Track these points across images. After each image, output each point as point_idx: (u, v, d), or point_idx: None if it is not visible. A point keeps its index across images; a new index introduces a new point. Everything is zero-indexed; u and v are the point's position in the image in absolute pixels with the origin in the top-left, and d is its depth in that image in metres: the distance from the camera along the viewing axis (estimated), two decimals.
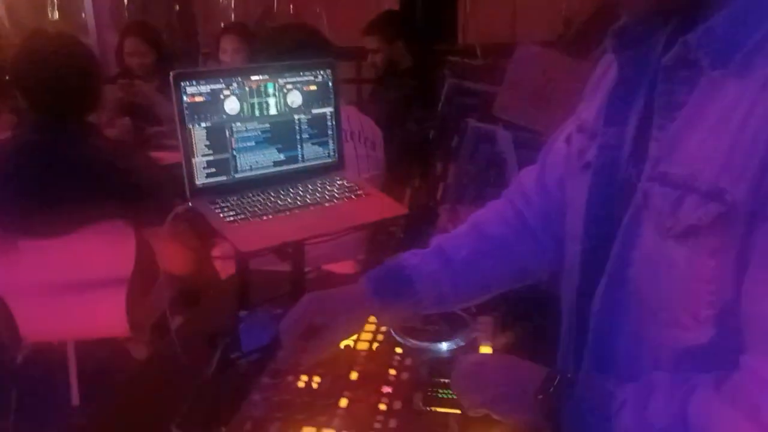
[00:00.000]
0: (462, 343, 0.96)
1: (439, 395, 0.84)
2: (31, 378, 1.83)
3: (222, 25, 3.93)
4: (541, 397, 0.69)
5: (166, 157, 2.11)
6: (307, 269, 1.31)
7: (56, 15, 4.42)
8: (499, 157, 1.93)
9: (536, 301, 1.05)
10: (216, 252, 1.99)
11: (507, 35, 3.17)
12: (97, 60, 1.83)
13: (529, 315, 1.05)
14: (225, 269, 1.98)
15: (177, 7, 4.33)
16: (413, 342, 0.96)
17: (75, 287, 1.72)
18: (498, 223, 0.97)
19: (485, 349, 0.95)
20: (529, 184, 0.99)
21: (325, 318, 0.86)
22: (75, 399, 1.84)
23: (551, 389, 0.70)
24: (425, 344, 0.95)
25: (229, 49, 2.96)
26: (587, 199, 0.80)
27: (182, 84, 1.07)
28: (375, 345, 0.97)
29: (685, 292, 0.67)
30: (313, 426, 0.79)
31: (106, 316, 1.79)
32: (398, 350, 0.95)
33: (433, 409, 0.82)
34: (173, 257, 1.73)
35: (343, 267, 1.93)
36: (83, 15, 3.81)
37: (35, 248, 1.65)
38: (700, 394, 0.62)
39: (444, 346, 0.95)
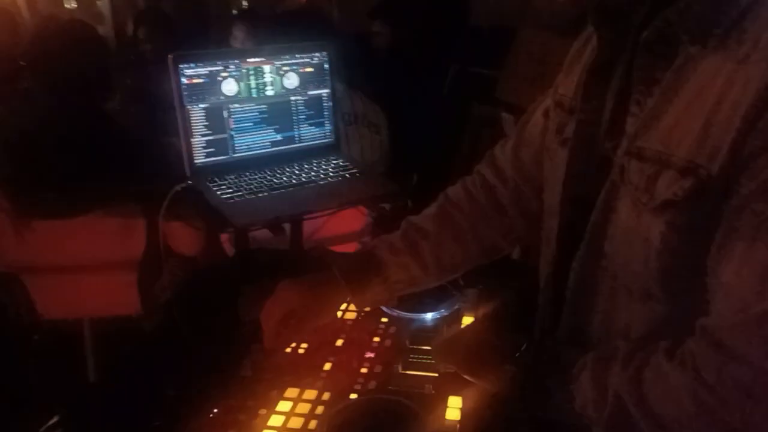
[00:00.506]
0: (446, 314, 0.99)
1: (419, 360, 0.88)
2: (48, 354, 1.90)
3: (234, 12, 3.97)
4: (507, 364, 0.72)
5: (178, 141, 2.16)
6: (308, 247, 1.35)
7: (73, 4, 4.50)
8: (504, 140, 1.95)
9: (521, 271, 1.08)
10: (224, 235, 2.05)
11: (515, 17, 3.15)
12: (107, 45, 1.88)
13: (513, 285, 1.08)
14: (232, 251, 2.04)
15: None
16: (398, 312, 0.99)
17: (89, 267, 1.78)
18: (467, 200, 0.97)
19: (468, 319, 0.99)
20: (504, 158, 0.98)
21: (300, 304, 0.88)
22: (91, 374, 1.92)
23: (517, 355, 0.72)
24: (410, 315, 0.99)
25: (240, 36, 2.99)
26: (565, 175, 0.81)
27: (181, 66, 1.12)
28: (362, 315, 1.01)
29: (658, 266, 0.68)
30: (297, 387, 0.84)
31: (120, 295, 1.85)
32: (384, 320, 0.99)
33: (411, 372, 0.86)
34: (182, 239, 1.79)
35: (349, 249, 1.97)
36: (98, 3, 3.87)
37: (50, 228, 1.71)
38: (653, 360, 0.65)
39: (428, 316, 0.99)
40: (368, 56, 3.04)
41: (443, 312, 0.99)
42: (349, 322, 0.99)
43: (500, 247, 0.97)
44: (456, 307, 1.00)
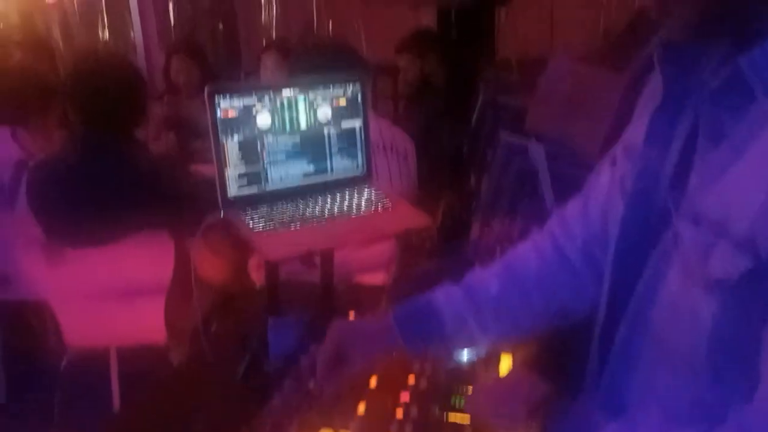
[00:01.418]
0: (483, 353, 0.96)
1: (456, 405, 0.85)
2: (74, 382, 1.90)
3: (264, 42, 4.04)
4: (533, 417, 0.69)
5: (209, 170, 2.17)
6: (337, 281, 1.34)
7: (107, 35, 4.63)
8: (532, 171, 1.93)
9: None
10: (252, 263, 2.04)
11: (544, 49, 3.16)
12: (142, 77, 1.91)
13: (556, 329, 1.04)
14: (261, 280, 2.03)
15: (221, 26, 4.48)
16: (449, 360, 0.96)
17: (117, 295, 1.79)
18: (534, 258, 0.91)
19: (506, 360, 0.96)
20: (572, 213, 0.92)
21: (352, 348, 0.86)
22: (116, 403, 1.91)
23: (543, 410, 0.69)
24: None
25: (270, 66, 3.04)
26: (619, 230, 0.75)
27: (216, 98, 1.12)
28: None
29: (707, 344, 0.62)
30: (330, 429, 0.81)
31: (147, 323, 1.86)
32: None
33: (448, 418, 0.83)
34: (209, 267, 1.79)
35: (375, 278, 1.95)
36: (132, 35, 3.97)
37: (81, 257, 1.73)
38: None
39: (464, 355, 0.96)
40: (396, 86, 3.07)
41: (480, 352, 0.96)
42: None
43: (570, 310, 0.90)
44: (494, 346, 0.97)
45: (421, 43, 2.95)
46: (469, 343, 0.89)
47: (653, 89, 0.75)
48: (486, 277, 0.91)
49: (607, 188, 0.83)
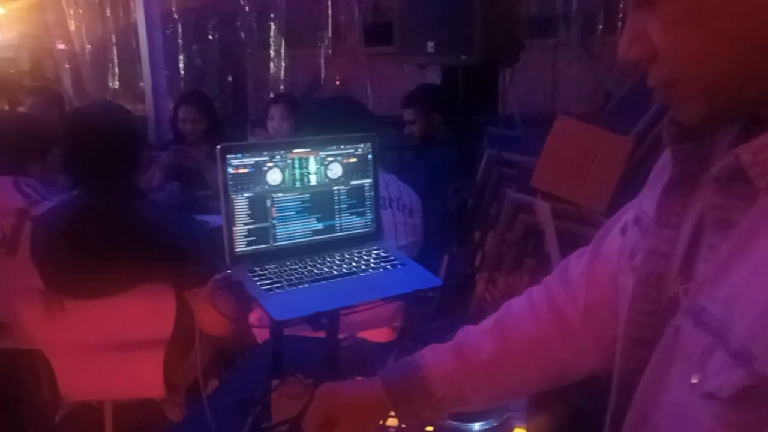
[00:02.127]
0: (495, 424, 0.93)
1: None
2: None
3: (271, 95, 4.11)
4: None
5: (213, 220, 2.17)
6: (341, 336, 1.31)
7: (116, 84, 4.72)
8: (537, 228, 1.92)
9: (578, 383, 1.02)
10: (253, 317, 2.02)
11: (547, 107, 3.21)
12: (137, 126, 1.90)
13: (569, 397, 1.01)
14: (262, 333, 2.00)
15: (230, 78, 4.57)
16: (445, 420, 0.94)
17: (116, 347, 1.76)
18: (529, 320, 0.86)
19: (519, 431, 0.93)
20: (576, 274, 0.86)
21: (340, 414, 0.83)
22: None
23: None
24: (457, 423, 0.93)
25: (276, 117, 3.08)
26: (628, 309, 0.69)
27: (227, 156, 1.12)
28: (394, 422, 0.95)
29: None
30: None
31: (144, 377, 1.82)
32: (429, 429, 0.93)
33: None
34: (212, 322, 1.76)
35: (379, 334, 1.92)
36: (141, 84, 4.04)
37: (80, 309, 1.70)
38: None
39: (476, 426, 0.93)
40: (402, 141, 3.10)
41: (492, 422, 0.93)
42: (392, 430, 0.93)
43: (567, 373, 0.86)
44: (506, 416, 0.94)
45: (425, 98, 3.00)
46: (460, 405, 0.85)
47: (664, 163, 0.71)
48: (478, 337, 0.86)
49: (617, 256, 0.78)
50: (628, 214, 0.79)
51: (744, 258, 0.55)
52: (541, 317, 0.86)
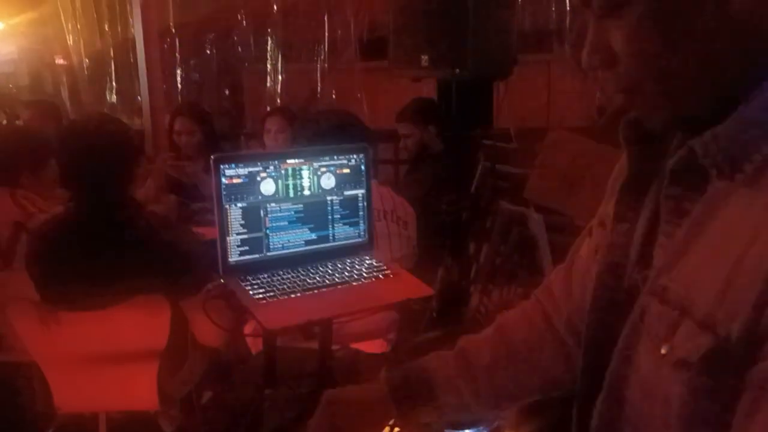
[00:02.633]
0: (486, 430, 0.94)
1: None
2: None
3: (268, 108, 4.14)
4: None
5: (209, 232, 2.18)
6: (336, 347, 1.32)
7: (114, 98, 4.75)
8: (531, 240, 1.94)
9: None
10: (247, 328, 2.02)
11: (541, 121, 3.24)
12: (131, 138, 1.91)
13: (554, 405, 1.02)
14: (256, 344, 2.00)
15: (227, 92, 4.60)
16: (443, 430, 0.94)
17: (110, 359, 1.75)
18: (525, 327, 0.91)
19: None
20: (557, 285, 0.91)
21: (345, 419, 0.85)
22: None
23: None
24: (449, 431, 0.94)
25: (272, 130, 3.08)
26: (591, 303, 0.74)
27: (222, 167, 1.13)
28: (396, 429, 0.95)
29: (680, 429, 0.59)
30: None
31: (138, 389, 1.81)
32: None
33: None
34: (206, 332, 1.76)
35: (374, 346, 1.92)
36: (139, 98, 4.06)
37: (76, 320, 1.70)
38: None
39: None
40: (396, 154, 3.13)
41: (482, 430, 0.94)
42: None
43: (563, 380, 0.88)
44: (496, 424, 0.95)
45: (420, 112, 3.02)
46: (460, 411, 0.88)
47: (620, 167, 0.78)
48: (478, 343, 0.90)
49: (586, 259, 0.83)
50: (594, 220, 0.84)
51: (699, 240, 0.60)
52: (534, 327, 0.90)
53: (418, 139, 3.00)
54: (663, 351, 0.61)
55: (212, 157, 1.12)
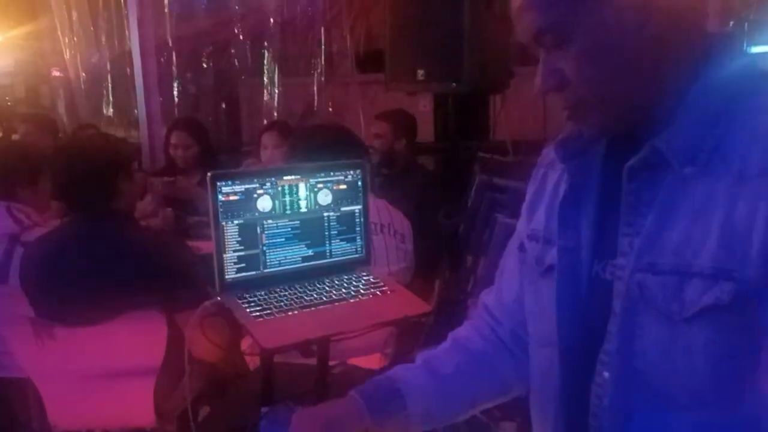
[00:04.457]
0: None
1: None
2: None
3: (265, 122, 4.14)
4: None
5: (206, 246, 2.17)
6: (332, 363, 1.31)
7: (111, 111, 4.75)
8: None
9: None
10: (244, 344, 2.01)
11: (538, 133, 3.25)
12: (115, 153, 1.91)
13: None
14: (253, 360, 1.99)
15: (224, 105, 4.61)
16: None
17: (106, 375, 1.74)
18: (478, 338, 0.99)
19: None
20: (492, 304, 1.01)
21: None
22: None
23: None
24: None
25: (269, 145, 3.08)
26: (557, 302, 0.82)
27: (218, 184, 1.13)
28: None
29: (709, 372, 0.69)
30: None
31: (134, 405, 1.80)
32: None
33: None
34: (202, 347, 1.75)
35: (371, 361, 1.92)
36: (136, 111, 4.07)
37: (71, 336, 1.70)
38: None
39: None
40: (393, 166, 3.13)
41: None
42: None
43: (512, 383, 0.97)
44: None
45: (399, 122, 3.03)
46: (425, 420, 0.92)
47: (540, 185, 0.92)
48: (440, 354, 0.98)
49: (519, 273, 0.94)
50: (515, 241, 0.98)
51: (672, 218, 0.71)
52: (485, 336, 0.99)
53: (389, 143, 3.01)
54: (674, 309, 0.69)
55: (209, 174, 1.12)
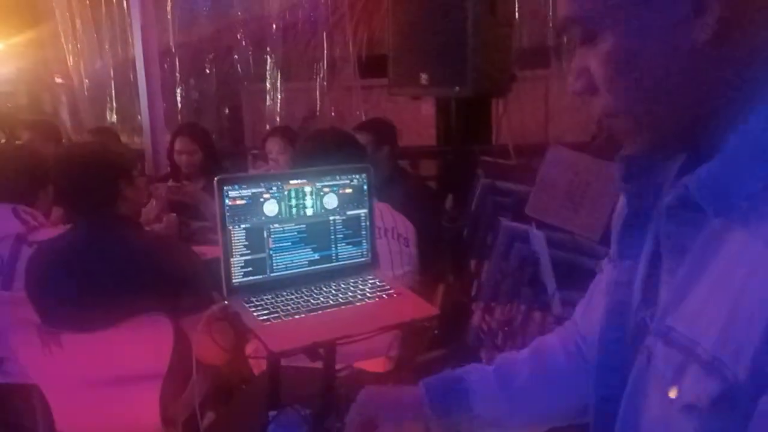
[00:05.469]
0: None
1: None
2: None
3: (267, 127, 4.16)
4: None
5: (210, 251, 2.18)
6: (338, 366, 1.31)
7: (114, 117, 4.76)
8: (533, 257, 1.94)
9: None
10: (249, 348, 2.01)
11: (540, 136, 3.25)
12: (114, 158, 1.91)
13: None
14: (258, 364, 1.99)
15: (227, 111, 4.63)
16: None
17: (113, 381, 1.74)
18: (561, 352, 0.92)
19: None
20: (581, 315, 0.92)
21: (381, 415, 0.87)
22: None
23: None
24: None
25: (274, 151, 3.10)
26: (599, 338, 0.75)
27: (225, 188, 1.14)
28: None
29: None
30: None
31: (140, 411, 1.80)
32: None
33: None
34: (208, 351, 1.75)
35: (376, 364, 1.92)
36: (139, 117, 4.08)
37: (77, 342, 1.70)
38: None
39: None
40: (378, 174, 3.13)
41: None
42: None
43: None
44: None
45: (377, 129, 3.03)
46: (494, 426, 0.88)
47: (622, 203, 0.78)
48: (517, 362, 0.92)
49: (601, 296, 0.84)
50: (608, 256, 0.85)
51: (700, 278, 0.59)
52: (569, 350, 0.91)
53: (372, 153, 2.99)
54: (672, 395, 0.59)
55: (216, 179, 1.12)
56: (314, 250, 1.24)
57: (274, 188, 1.19)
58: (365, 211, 1.30)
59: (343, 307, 1.17)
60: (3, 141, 4.12)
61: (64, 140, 3.90)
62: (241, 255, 1.16)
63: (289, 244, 1.21)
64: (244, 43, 4.46)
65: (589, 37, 0.62)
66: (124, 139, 4.13)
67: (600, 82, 0.63)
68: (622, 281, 0.72)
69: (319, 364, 1.25)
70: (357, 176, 1.28)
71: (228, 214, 1.14)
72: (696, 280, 0.60)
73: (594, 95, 0.65)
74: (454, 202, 2.70)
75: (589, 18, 0.62)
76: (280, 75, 4.34)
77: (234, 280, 1.16)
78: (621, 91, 0.63)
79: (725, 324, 0.55)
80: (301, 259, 1.23)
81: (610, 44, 0.61)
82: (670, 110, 0.62)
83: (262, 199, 1.17)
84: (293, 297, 1.17)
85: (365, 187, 1.29)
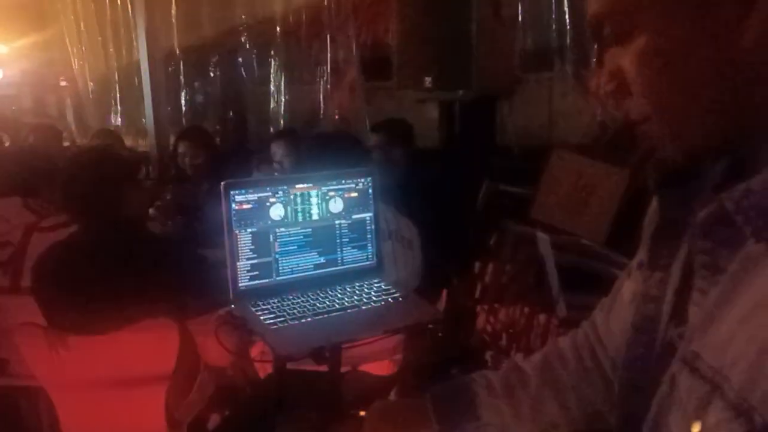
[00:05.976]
0: None
1: None
2: None
3: (272, 130, 4.16)
4: None
5: (214, 254, 2.19)
6: (343, 369, 1.31)
7: (119, 121, 4.78)
8: (538, 259, 1.94)
9: None
10: (255, 351, 2.01)
11: (544, 139, 3.25)
12: (117, 162, 1.92)
13: None
14: (263, 367, 1.99)
15: (231, 113, 4.64)
16: None
17: (119, 384, 1.75)
18: (573, 358, 0.89)
19: None
20: (600, 319, 0.88)
21: (387, 428, 0.87)
22: None
23: None
24: None
25: (278, 154, 3.10)
26: (624, 354, 0.70)
27: (231, 192, 1.14)
28: None
29: None
30: None
31: (146, 413, 1.80)
32: None
33: None
34: (214, 352, 1.76)
35: (380, 367, 1.92)
36: (144, 120, 4.10)
37: (83, 344, 1.70)
38: None
39: None
40: (400, 173, 3.13)
41: None
42: None
43: (602, 414, 0.85)
44: None
45: (390, 131, 3.03)
46: (506, 431, 0.87)
47: (654, 209, 0.71)
48: (524, 369, 0.90)
49: (626, 305, 0.78)
50: (635, 259, 0.78)
51: (732, 305, 0.54)
52: (582, 357, 0.89)
53: (386, 154, 3.00)
54: (695, 430, 0.54)
55: (222, 183, 1.13)
56: (320, 254, 1.25)
57: (280, 192, 1.19)
58: (371, 214, 1.30)
59: (349, 310, 1.17)
60: (7, 144, 4.14)
61: (67, 143, 3.92)
62: (248, 259, 1.17)
63: (295, 247, 1.22)
64: (248, 45, 4.47)
65: (624, 35, 0.58)
66: (128, 141, 4.14)
67: (633, 84, 0.59)
68: (652, 295, 0.67)
69: (323, 367, 1.26)
70: (362, 180, 1.29)
71: (234, 218, 1.15)
72: (728, 305, 0.54)
73: (626, 98, 0.60)
74: (459, 205, 2.70)
75: (625, 14, 0.57)
76: (284, 77, 4.35)
77: (240, 284, 1.16)
78: (656, 94, 0.58)
79: (755, 362, 0.49)
80: (307, 262, 1.23)
81: (647, 42, 0.57)
82: (710, 116, 0.57)
83: (268, 203, 1.18)
84: (299, 301, 1.18)
85: (370, 190, 1.29)
